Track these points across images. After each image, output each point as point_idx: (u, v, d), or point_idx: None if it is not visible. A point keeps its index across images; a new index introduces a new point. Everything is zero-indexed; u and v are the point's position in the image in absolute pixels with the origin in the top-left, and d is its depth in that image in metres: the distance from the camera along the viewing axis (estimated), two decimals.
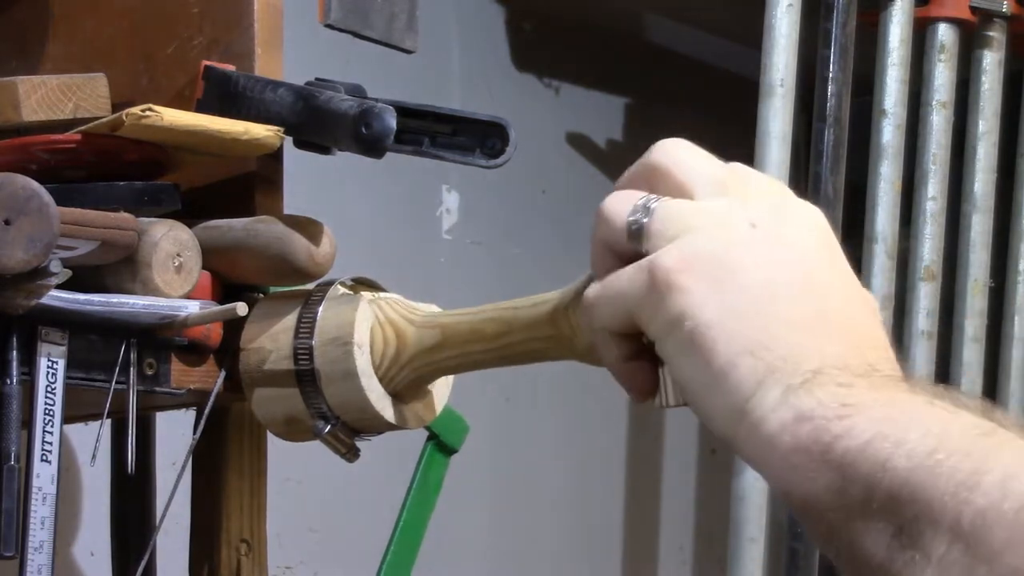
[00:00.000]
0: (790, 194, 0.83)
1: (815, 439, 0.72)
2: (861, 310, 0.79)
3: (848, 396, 0.73)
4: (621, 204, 0.82)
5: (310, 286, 1.14)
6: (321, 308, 1.10)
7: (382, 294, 1.12)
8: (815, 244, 0.80)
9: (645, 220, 0.81)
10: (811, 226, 0.81)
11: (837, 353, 0.75)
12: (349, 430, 1.10)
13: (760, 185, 0.83)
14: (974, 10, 2.47)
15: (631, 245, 0.81)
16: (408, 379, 1.08)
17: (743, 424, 0.75)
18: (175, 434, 1.48)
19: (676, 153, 0.83)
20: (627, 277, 0.80)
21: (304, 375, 1.10)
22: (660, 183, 0.82)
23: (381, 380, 1.08)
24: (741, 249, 0.78)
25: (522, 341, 1.00)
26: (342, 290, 1.12)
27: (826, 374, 0.74)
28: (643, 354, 0.83)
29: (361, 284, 1.13)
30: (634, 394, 0.85)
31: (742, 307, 0.77)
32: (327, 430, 1.10)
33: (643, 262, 0.80)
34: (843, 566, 0.72)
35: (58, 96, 1.24)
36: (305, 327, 1.10)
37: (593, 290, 0.83)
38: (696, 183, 0.81)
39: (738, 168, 0.84)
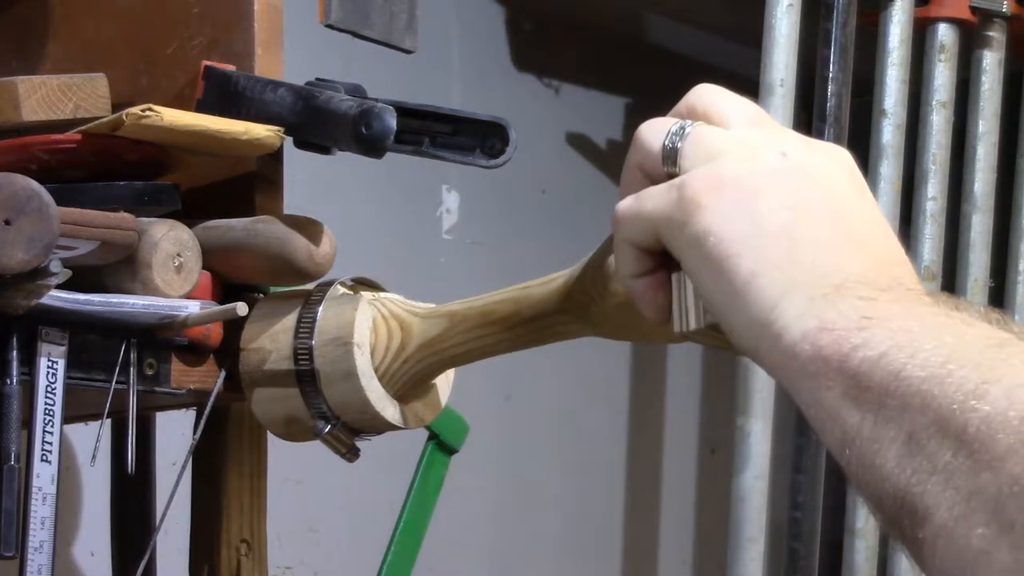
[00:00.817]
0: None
1: (835, 349, 0.73)
2: (885, 233, 0.81)
3: (868, 309, 0.74)
4: (658, 127, 0.85)
5: (310, 286, 1.14)
6: (321, 308, 1.10)
7: (382, 294, 1.12)
8: (842, 175, 0.82)
9: (680, 143, 0.83)
10: (839, 160, 0.83)
11: (860, 269, 0.77)
12: (349, 430, 1.10)
13: (792, 131, 0.86)
14: (974, 10, 2.47)
15: (665, 168, 0.83)
16: (411, 373, 1.08)
17: (766, 335, 0.77)
18: (175, 434, 1.48)
19: (713, 94, 0.86)
20: (658, 193, 0.82)
21: (304, 375, 1.10)
22: (697, 119, 0.85)
23: (383, 376, 1.08)
24: (770, 175, 0.80)
25: (533, 319, 1.00)
26: (342, 290, 1.12)
27: (849, 288, 0.76)
28: (659, 271, 0.85)
29: (361, 284, 1.13)
30: (649, 310, 0.86)
31: (768, 226, 0.79)
32: (327, 430, 1.10)
33: (675, 180, 0.82)
34: (855, 476, 0.73)
35: (58, 96, 1.24)
36: (305, 327, 1.10)
37: (624, 204, 0.84)
38: (731, 118, 0.84)
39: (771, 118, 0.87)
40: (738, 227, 0.79)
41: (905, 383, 0.70)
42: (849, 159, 0.84)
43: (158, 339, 1.16)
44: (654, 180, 0.84)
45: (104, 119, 1.16)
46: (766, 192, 0.80)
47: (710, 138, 0.83)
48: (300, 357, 1.10)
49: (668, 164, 0.83)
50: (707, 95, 0.86)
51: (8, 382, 1.09)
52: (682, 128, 0.83)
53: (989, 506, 0.66)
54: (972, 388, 0.68)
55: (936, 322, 0.73)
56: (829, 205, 0.80)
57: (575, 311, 0.97)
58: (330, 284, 1.12)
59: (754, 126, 0.84)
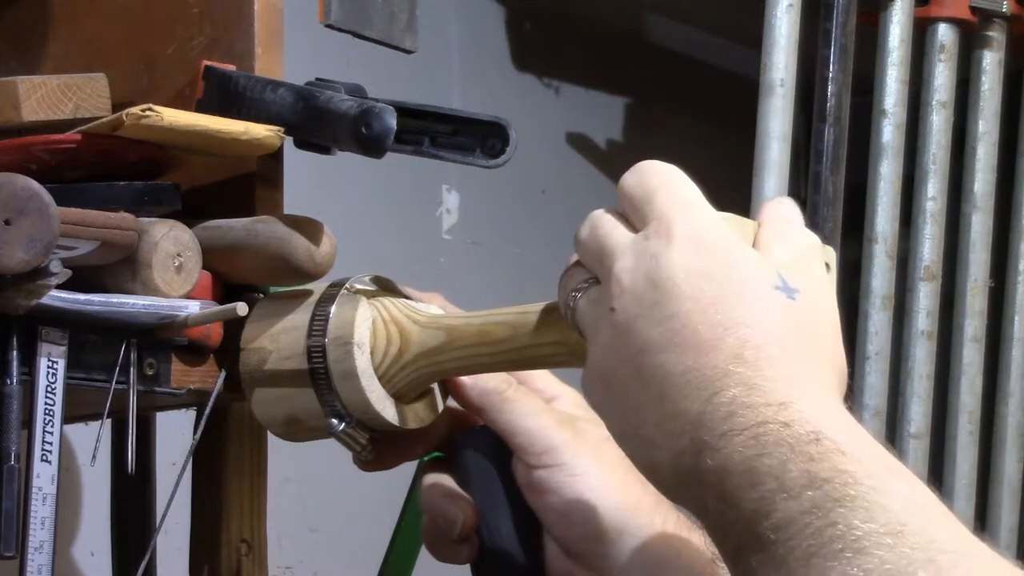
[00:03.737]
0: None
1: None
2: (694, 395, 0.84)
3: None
4: (562, 291, 0.92)
5: (310, 286, 1.14)
6: (334, 306, 1.10)
7: (385, 297, 1.12)
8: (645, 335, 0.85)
9: (572, 317, 0.91)
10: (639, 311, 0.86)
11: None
12: (363, 428, 1.09)
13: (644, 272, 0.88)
14: (974, 10, 2.48)
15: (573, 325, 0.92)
16: (408, 380, 1.08)
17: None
18: (175, 434, 1.48)
19: (598, 232, 0.90)
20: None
21: (317, 373, 1.09)
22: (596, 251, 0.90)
23: (381, 379, 1.08)
24: (607, 350, 0.87)
25: (529, 346, 1.00)
26: (355, 288, 1.12)
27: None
28: None
29: (376, 283, 1.13)
30: None
31: (619, 406, 0.86)
32: (341, 428, 1.09)
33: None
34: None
35: (58, 96, 1.24)
36: (318, 325, 1.10)
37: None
38: (612, 261, 0.88)
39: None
40: (611, 422, 0.88)
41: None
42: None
43: (158, 339, 1.16)
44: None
45: (104, 119, 1.16)
46: (612, 376, 0.86)
47: (588, 314, 0.89)
48: (314, 355, 1.09)
49: (574, 323, 0.91)
50: (596, 232, 0.90)
51: (8, 382, 1.09)
52: (573, 297, 0.90)
53: None
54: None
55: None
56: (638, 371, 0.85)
57: (569, 343, 0.97)
58: (343, 282, 1.12)
59: (626, 272, 0.87)
